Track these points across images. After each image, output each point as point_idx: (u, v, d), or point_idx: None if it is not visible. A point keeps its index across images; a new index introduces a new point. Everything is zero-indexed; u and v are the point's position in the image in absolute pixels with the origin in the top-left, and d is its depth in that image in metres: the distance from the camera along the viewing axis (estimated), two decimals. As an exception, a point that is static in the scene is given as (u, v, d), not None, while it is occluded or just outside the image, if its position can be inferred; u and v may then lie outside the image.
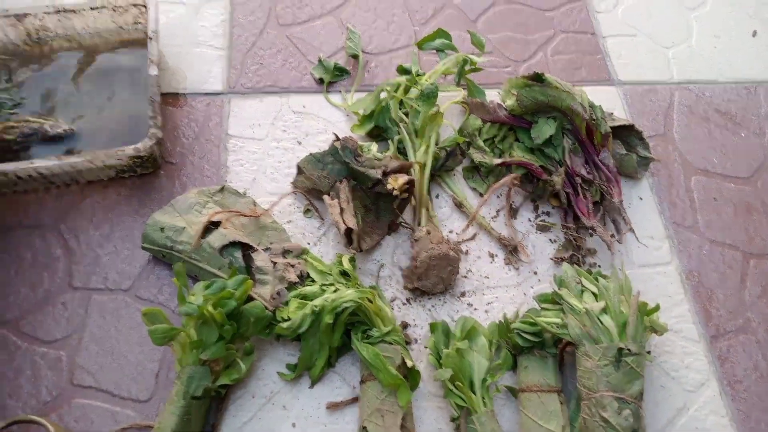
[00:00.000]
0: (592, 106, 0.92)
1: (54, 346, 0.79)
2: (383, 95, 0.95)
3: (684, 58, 1.17)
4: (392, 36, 1.11)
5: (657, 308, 0.79)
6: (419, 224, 0.89)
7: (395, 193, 0.84)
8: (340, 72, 1.05)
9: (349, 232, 0.84)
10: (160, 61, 0.90)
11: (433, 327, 0.81)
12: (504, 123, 0.96)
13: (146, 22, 0.99)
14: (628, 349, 0.71)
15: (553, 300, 0.83)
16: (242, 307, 0.75)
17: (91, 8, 0.97)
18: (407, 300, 0.87)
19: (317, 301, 0.77)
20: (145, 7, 0.96)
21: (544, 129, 0.91)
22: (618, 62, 1.14)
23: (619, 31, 1.18)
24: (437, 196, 0.96)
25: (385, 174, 0.86)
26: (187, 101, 1.00)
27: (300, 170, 0.94)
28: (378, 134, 0.99)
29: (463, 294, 0.88)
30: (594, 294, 0.81)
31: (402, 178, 0.84)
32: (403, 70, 1.06)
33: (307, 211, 0.93)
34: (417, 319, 0.86)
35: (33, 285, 0.83)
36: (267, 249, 0.86)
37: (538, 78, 0.90)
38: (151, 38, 0.91)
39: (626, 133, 0.99)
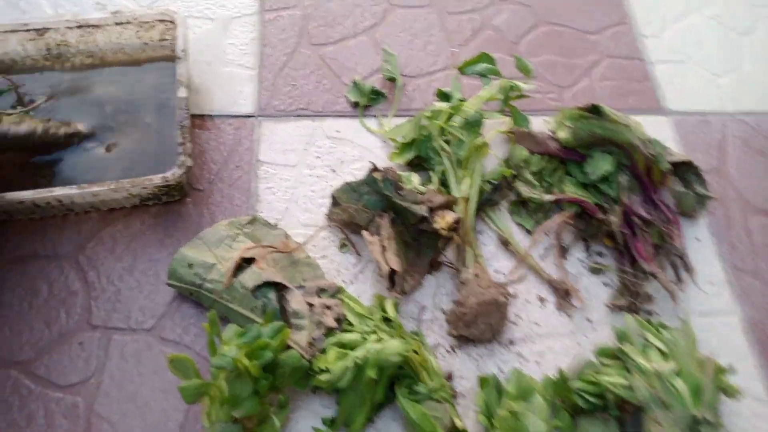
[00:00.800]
0: (650, 140, 0.86)
1: (70, 391, 0.73)
2: (425, 122, 0.89)
3: (736, 86, 1.10)
4: (430, 58, 1.05)
5: (730, 370, 0.72)
6: (465, 265, 0.82)
7: (442, 232, 0.77)
8: (375, 95, 0.99)
9: (392, 273, 0.78)
10: (189, 83, 0.84)
11: (482, 382, 0.75)
12: (554, 155, 0.90)
13: (173, 39, 0.93)
14: (705, 419, 0.64)
15: (614, 355, 0.77)
16: (278, 357, 0.69)
17: (116, 23, 0.91)
18: (451, 348, 0.80)
19: (359, 353, 0.70)
20: (172, 23, 0.91)
21: (601, 164, 0.84)
22: (668, 90, 1.08)
23: (667, 57, 1.12)
24: (481, 233, 0.89)
25: (431, 210, 0.80)
26: (215, 123, 0.94)
27: (335, 200, 0.88)
28: (417, 163, 0.92)
29: (511, 342, 0.81)
30: (661, 351, 0.74)
31: (450, 217, 0.77)
32: (442, 95, 1.00)
33: (342, 246, 0.87)
34: (462, 370, 0.79)
35: (48, 322, 0.76)
36: (300, 287, 0.79)
37: (594, 110, 0.84)
38: (180, 57, 0.85)
39: (683, 169, 0.93)
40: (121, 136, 0.88)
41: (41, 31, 0.90)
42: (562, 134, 0.86)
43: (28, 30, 0.89)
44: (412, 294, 0.84)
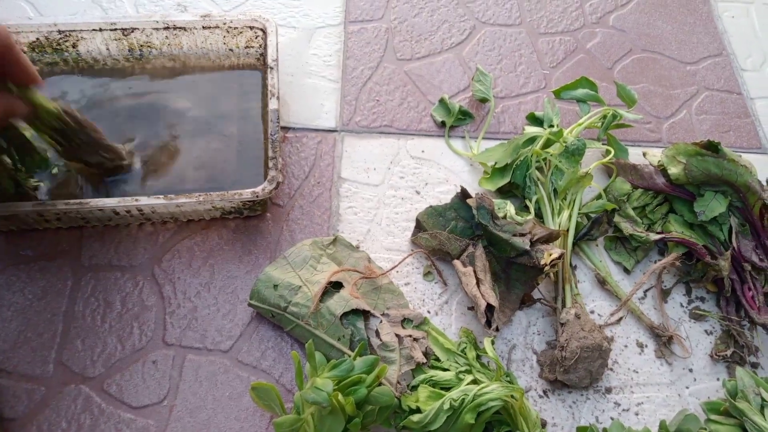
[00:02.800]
0: (768, 182, 0.80)
1: (142, 413, 0.68)
2: (522, 148, 0.84)
3: (842, 127, 1.04)
4: (520, 78, 1.00)
5: None
6: (564, 304, 0.76)
7: (546, 269, 0.72)
8: (463, 116, 0.94)
9: (488, 309, 0.72)
10: (278, 94, 0.81)
11: (583, 433, 0.69)
12: (660, 191, 0.84)
13: (259, 47, 0.90)
14: None
15: (726, 412, 0.70)
16: (370, 394, 0.64)
17: (204, 27, 0.88)
18: (544, 392, 0.75)
19: (455, 394, 0.64)
20: (262, 30, 0.87)
21: (713, 205, 0.78)
22: (769, 128, 1.01)
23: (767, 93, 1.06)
24: (575, 268, 0.84)
25: (532, 244, 0.74)
26: (296, 137, 0.90)
27: (419, 224, 0.83)
28: (507, 190, 0.87)
29: (608, 390, 0.75)
30: (781, 412, 0.67)
31: (555, 253, 0.72)
32: (534, 119, 0.94)
33: (427, 274, 0.81)
34: (556, 417, 0.73)
35: (121, 337, 0.72)
36: (385, 314, 0.74)
37: (712, 147, 0.78)
38: (272, 67, 0.82)
39: (792, 213, 0.86)
40: (202, 145, 0.84)
41: (127, 31, 0.87)
42: (674, 170, 0.80)
43: (114, 29, 0.86)
44: (501, 331, 0.78)
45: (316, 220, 0.83)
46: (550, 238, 0.76)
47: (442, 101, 0.95)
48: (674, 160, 0.80)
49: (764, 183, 0.80)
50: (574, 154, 0.82)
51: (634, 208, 0.84)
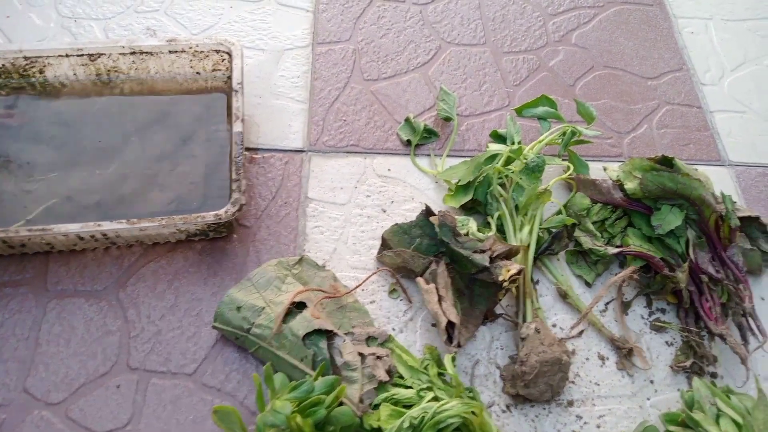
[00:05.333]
0: (722, 195, 0.82)
1: (105, 438, 0.69)
2: (483, 166, 0.86)
3: (798, 139, 1.06)
4: (484, 97, 1.02)
5: (815, 447, 0.67)
6: (524, 319, 0.78)
7: (505, 285, 0.73)
8: (428, 134, 0.96)
9: (449, 326, 0.73)
10: (243, 116, 0.82)
11: (545, 447, 0.70)
12: (618, 206, 0.86)
13: (226, 70, 0.91)
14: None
15: (683, 423, 0.71)
16: (330, 414, 0.64)
17: (170, 51, 0.89)
18: (507, 407, 0.76)
19: (415, 412, 0.65)
20: (228, 54, 0.89)
21: (669, 219, 0.80)
22: (728, 141, 1.04)
23: (727, 106, 1.08)
24: (537, 282, 0.85)
25: (492, 260, 0.76)
26: (263, 158, 0.91)
27: (385, 242, 0.84)
28: (471, 207, 0.89)
29: (570, 403, 0.76)
30: (734, 421, 0.69)
31: (514, 269, 0.73)
32: (497, 136, 0.96)
33: (392, 292, 0.82)
34: (519, 432, 0.74)
35: (85, 362, 0.72)
36: (349, 333, 0.75)
37: (666, 162, 0.80)
38: (236, 90, 0.83)
39: (748, 225, 0.88)
40: (168, 168, 0.85)
41: (94, 57, 0.88)
42: (630, 185, 0.82)
43: (81, 55, 0.87)
44: (464, 347, 0.79)
45: (283, 240, 0.84)
46: (510, 254, 0.78)
47: (407, 120, 0.97)
48: (630, 175, 0.82)
49: (719, 195, 0.82)
50: (534, 170, 0.84)
51: (593, 223, 0.86)
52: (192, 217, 0.73)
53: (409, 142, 0.96)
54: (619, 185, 0.85)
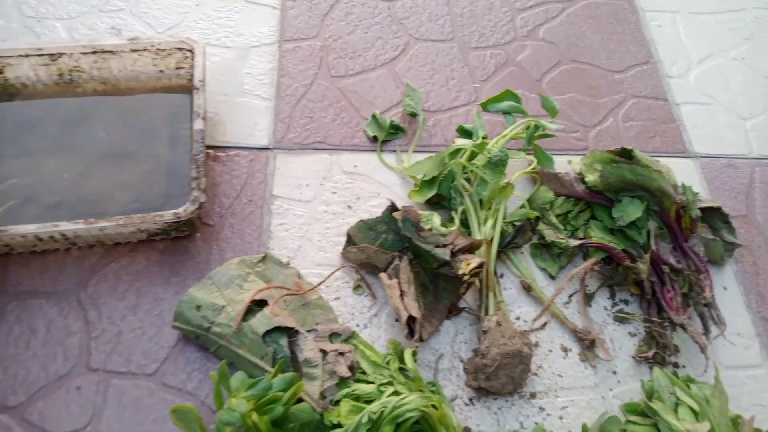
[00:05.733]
0: (683, 186, 0.83)
1: (64, 439, 0.68)
2: (447, 160, 0.86)
3: (763, 130, 1.07)
4: (451, 93, 1.03)
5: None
6: (486, 312, 0.78)
7: (465, 278, 0.74)
8: (395, 130, 0.96)
9: (411, 320, 0.73)
10: (205, 114, 0.82)
11: (505, 439, 0.70)
12: (580, 198, 0.86)
13: (190, 68, 0.91)
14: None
15: (642, 412, 0.72)
16: (289, 411, 0.64)
17: (132, 50, 0.88)
18: (470, 400, 0.76)
19: (375, 407, 0.65)
20: (191, 51, 0.88)
21: (630, 210, 0.81)
22: (694, 133, 1.05)
23: (693, 98, 1.09)
24: (501, 276, 0.85)
25: (453, 254, 0.76)
26: (228, 155, 0.91)
27: (350, 239, 0.84)
28: (437, 201, 0.89)
29: (533, 395, 0.77)
30: (692, 410, 0.70)
31: (474, 262, 0.73)
32: (463, 131, 0.97)
33: (357, 288, 0.83)
34: (481, 425, 0.74)
35: (45, 364, 0.72)
36: (312, 330, 0.75)
37: (626, 154, 0.81)
38: (198, 88, 0.83)
39: (710, 215, 0.89)
40: (130, 167, 0.84)
41: (55, 56, 0.87)
42: (591, 177, 0.83)
43: (41, 55, 0.86)
44: (428, 341, 0.80)
45: (247, 238, 0.84)
46: (472, 248, 0.78)
47: (374, 116, 0.96)
48: (591, 167, 0.83)
49: (680, 186, 0.83)
50: (497, 165, 0.84)
51: (557, 216, 0.86)
52: (150, 216, 0.72)
53: (375, 139, 0.96)
54: (581, 178, 0.85)
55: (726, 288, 0.89)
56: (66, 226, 0.71)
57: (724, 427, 0.67)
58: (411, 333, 0.74)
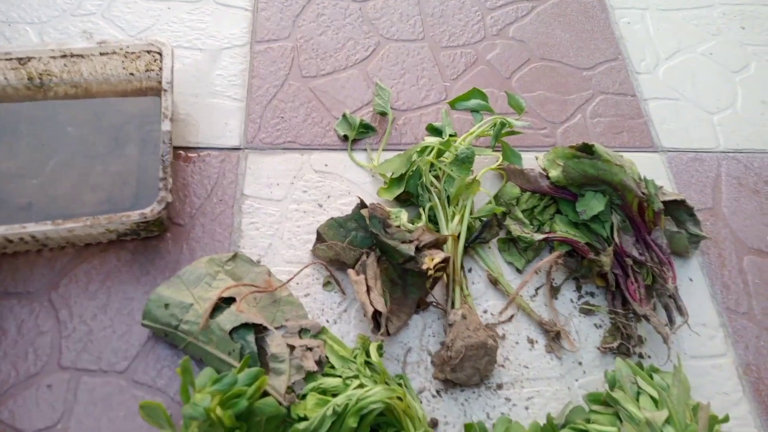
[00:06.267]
0: (644, 180, 0.84)
1: (34, 438, 0.69)
2: (415, 158, 0.87)
3: (730, 124, 1.09)
4: (421, 92, 1.04)
5: (726, 419, 0.69)
6: (453, 305, 0.79)
7: (430, 273, 0.75)
8: (365, 129, 0.98)
9: (376, 315, 0.75)
10: (173, 115, 0.83)
11: (468, 429, 0.71)
12: (545, 193, 0.88)
13: (159, 70, 0.92)
14: (702, 474, 0.61)
15: (605, 402, 0.74)
16: (254, 405, 0.65)
17: (101, 53, 0.89)
18: (437, 392, 0.77)
19: (339, 399, 0.67)
20: (159, 54, 0.89)
21: (593, 204, 0.82)
22: (661, 127, 1.07)
23: (661, 94, 1.11)
24: (470, 270, 0.87)
25: (419, 249, 0.77)
26: (199, 156, 0.92)
27: (320, 236, 0.86)
28: (406, 199, 0.90)
29: (499, 386, 0.78)
30: (653, 398, 0.71)
31: (438, 257, 0.75)
32: (433, 129, 0.98)
33: (327, 284, 0.84)
34: (448, 416, 0.76)
35: (15, 363, 0.73)
36: (282, 327, 0.76)
37: (587, 149, 0.82)
38: (165, 90, 0.84)
39: (676, 208, 0.91)
40: (100, 169, 0.85)
41: (23, 60, 0.88)
42: (554, 173, 0.84)
43: (9, 59, 0.87)
44: (397, 335, 0.81)
45: (218, 237, 0.85)
46: (437, 244, 0.79)
47: (344, 116, 0.98)
48: (554, 163, 0.84)
49: (642, 179, 0.85)
50: (464, 162, 0.86)
51: (523, 211, 0.88)
52: (117, 217, 0.73)
53: (346, 138, 0.97)
54: (545, 174, 0.87)
55: (692, 279, 0.91)
56: (34, 228, 0.72)
57: (682, 414, 0.69)
58: (377, 327, 0.75)
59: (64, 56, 0.88)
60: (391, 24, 1.12)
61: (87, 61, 0.90)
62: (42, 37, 1.00)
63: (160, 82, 0.92)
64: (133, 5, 1.06)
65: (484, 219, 0.87)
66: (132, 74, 0.92)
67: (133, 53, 0.90)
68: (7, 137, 0.87)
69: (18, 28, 1.00)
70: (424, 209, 0.86)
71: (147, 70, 0.92)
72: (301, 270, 0.82)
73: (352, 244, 0.84)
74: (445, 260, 0.77)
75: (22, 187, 0.83)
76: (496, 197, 0.90)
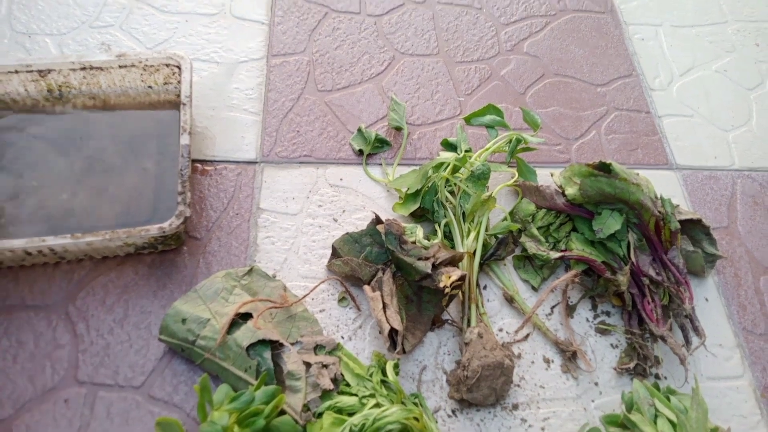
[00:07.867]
0: (661, 199, 0.84)
1: (50, 453, 0.69)
2: (430, 173, 0.87)
3: (745, 142, 1.09)
4: (436, 107, 1.04)
5: (746, 443, 0.69)
6: (469, 323, 0.79)
7: (447, 291, 0.75)
8: (380, 143, 0.98)
9: (393, 333, 0.75)
10: (192, 129, 0.83)
11: (486, 450, 0.71)
12: (561, 211, 0.88)
13: (178, 84, 0.92)
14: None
15: (622, 424, 0.73)
16: (271, 423, 0.65)
17: (120, 66, 0.90)
18: (453, 411, 0.77)
19: (356, 419, 0.67)
20: (178, 68, 0.90)
21: (609, 223, 0.82)
22: (675, 145, 1.06)
23: (675, 110, 1.11)
24: (485, 287, 0.87)
25: (435, 267, 0.77)
26: (216, 169, 0.92)
27: (335, 251, 0.86)
28: (421, 214, 0.90)
29: (515, 406, 0.78)
30: (671, 421, 0.71)
31: (455, 275, 0.75)
32: (447, 145, 0.98)
33: (342, 300, 0.84)
34: (464, 435, 0.75)
35: (32, 377, 0.73)
36: (297, 342, 0.76)
37: (604, 167, 0.82)
38: (184, 103, 0.84)
39: (692, 227, 0.91)
40: (118, 182, 0.86)
41: (44, 73, 0.89)
42: (570, 190, 0.84)
43: (30, 71, 0.88)
44: (412, 352, 0.81)
45: (234, 251, 0.85)
46: (454, 261, 0.79)
47: (359, 130, 0.98)
48: (570, 181, 0.84)
49: (659, 198, 0.85)
50: (480, 178, 0.86)
51: (539, 228, 0.88)
52: (136, 231, 0.73)
53: (361, 152, 0.97)
54: (561, 191, 0.87)
55: (707, 299, 0.91)
56: (53, 241, 0.72)
57: (700, 437, 0.68)
58: (393, 345, 0.75)
59: (83, 68, 0.89)
60: (405, 39, 1.12)
61: (106, 74, 0.90)
62: (61, 48, 1.01)
63: (178, 96, 0.93)
64: (150, 18, 1.07)
65: (500, 236, 0.87)
66: (150, 87, 0.93)
67: (152, 66, 0.90)
68: (25, 150, 0.87)
69: (38, 39, 1.01)
70: (439, 225, 0.86)
71: (165, 83, 0.92)
72: (318, 285, 0.81)
73: (367, 259, 0.84)
74: (462, 278, 0.77)
75: (40, 200, 0.83)
76: (512, 214, 0.90)
